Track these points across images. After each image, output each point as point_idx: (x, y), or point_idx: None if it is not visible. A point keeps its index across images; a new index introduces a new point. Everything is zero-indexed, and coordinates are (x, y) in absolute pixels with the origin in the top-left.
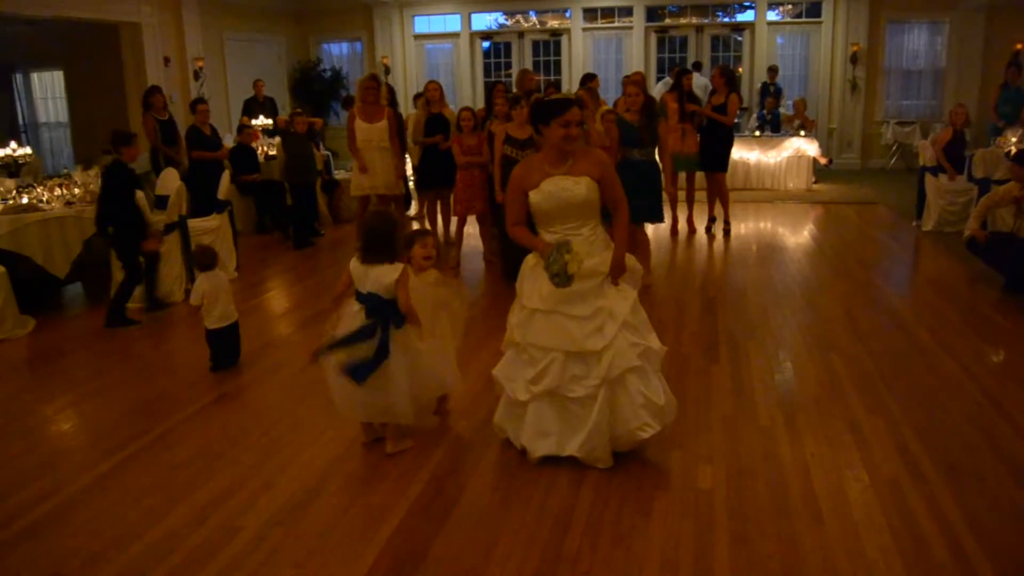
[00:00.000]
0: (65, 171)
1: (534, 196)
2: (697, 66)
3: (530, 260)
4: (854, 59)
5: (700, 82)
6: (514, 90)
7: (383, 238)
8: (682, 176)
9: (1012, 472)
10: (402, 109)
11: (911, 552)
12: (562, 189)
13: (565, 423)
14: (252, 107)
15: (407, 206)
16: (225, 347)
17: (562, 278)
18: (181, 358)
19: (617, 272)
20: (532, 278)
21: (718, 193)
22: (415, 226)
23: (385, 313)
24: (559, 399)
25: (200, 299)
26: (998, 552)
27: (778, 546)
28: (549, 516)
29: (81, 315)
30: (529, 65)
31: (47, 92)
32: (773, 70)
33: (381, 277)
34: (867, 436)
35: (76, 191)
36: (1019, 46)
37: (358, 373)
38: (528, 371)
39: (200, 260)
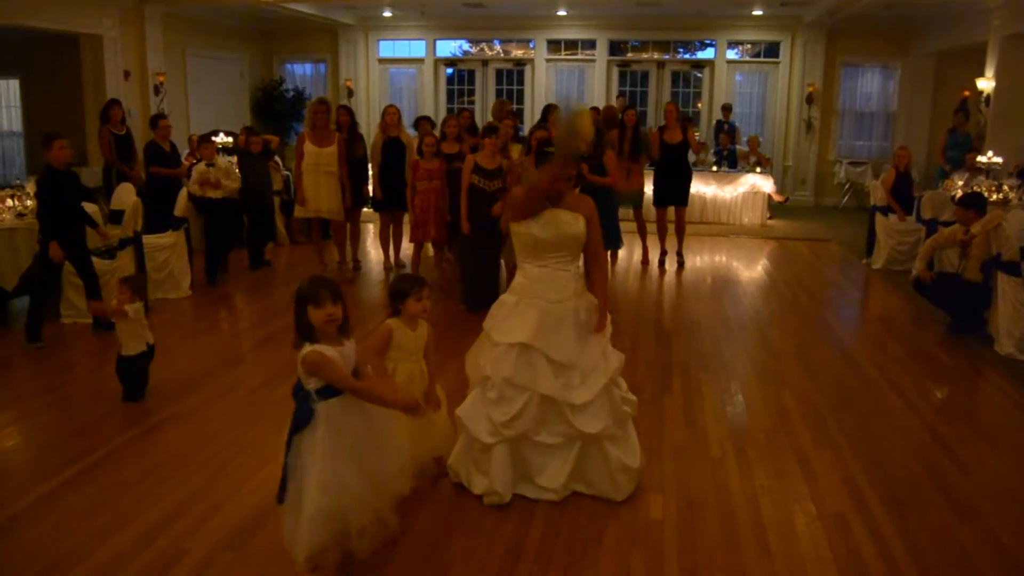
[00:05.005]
0: (17, 182)
1: (535, 227)
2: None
3: (509, 299)
4: (810, 99)
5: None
6: (490, 119)
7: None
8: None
9: (953, 508)
10: (363, 130)
11: None
12: (563, 222)
13: (519, 467)
14: None
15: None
16: (140, 374)
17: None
18: None
19: (601, 326)
20: (515, 315)
21: (677, 226)
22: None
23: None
24: (524, 442)
25: (136, 315)
26: None
27: None
28: (501, 545)
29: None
30: (492, 93)
31: (1, 100)
32: (727, 108)
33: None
34: (815, 469)
35: (28, 203)
36: (967, 93)
37: None
38: (497, 412)
39: (135, 286)
